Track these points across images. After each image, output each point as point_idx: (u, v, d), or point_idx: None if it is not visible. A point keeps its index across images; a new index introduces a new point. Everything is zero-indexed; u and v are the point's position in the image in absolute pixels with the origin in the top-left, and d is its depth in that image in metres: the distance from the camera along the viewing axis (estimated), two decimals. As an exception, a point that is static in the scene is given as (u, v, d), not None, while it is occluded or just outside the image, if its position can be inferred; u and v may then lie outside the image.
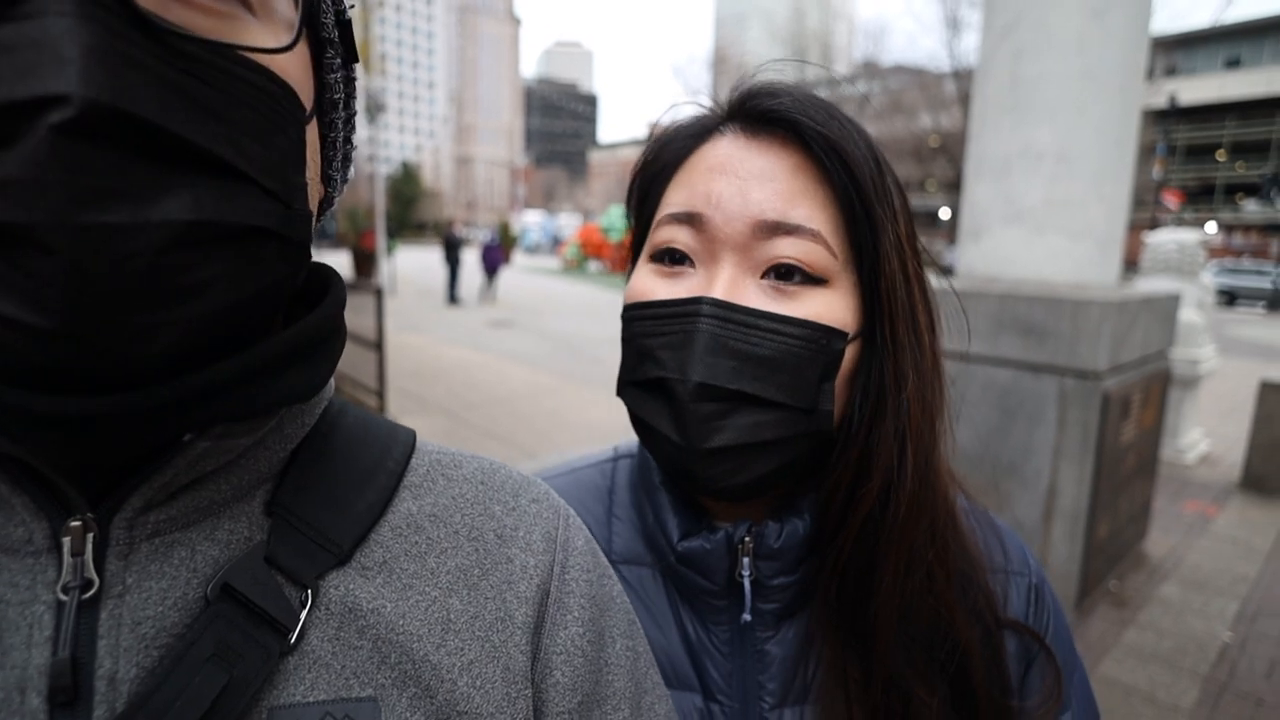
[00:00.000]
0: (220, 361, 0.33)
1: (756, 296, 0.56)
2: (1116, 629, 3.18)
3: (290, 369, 0.37)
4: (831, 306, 0.56)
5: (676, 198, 0.60)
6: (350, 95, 0.45)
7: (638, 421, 0.61)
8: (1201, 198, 44.54)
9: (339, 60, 0.42)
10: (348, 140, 0.46)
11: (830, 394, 0.57)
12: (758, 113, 0.59)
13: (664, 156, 0.64)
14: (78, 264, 0.26)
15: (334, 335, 0.41)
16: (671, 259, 0.59)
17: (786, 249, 0.55)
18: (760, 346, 0.54)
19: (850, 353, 0.58)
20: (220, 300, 0.32)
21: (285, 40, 0.36)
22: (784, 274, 0.56)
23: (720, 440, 0.55)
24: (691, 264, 0.59)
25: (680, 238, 0.59)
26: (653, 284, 0.60)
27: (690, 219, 0.58)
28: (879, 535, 0.57)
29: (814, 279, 0.56)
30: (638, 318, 0.60)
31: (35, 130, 0.26)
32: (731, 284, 0.56)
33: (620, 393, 0.63)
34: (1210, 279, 6.39)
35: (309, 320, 0.38)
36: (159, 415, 0.32)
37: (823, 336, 0.56)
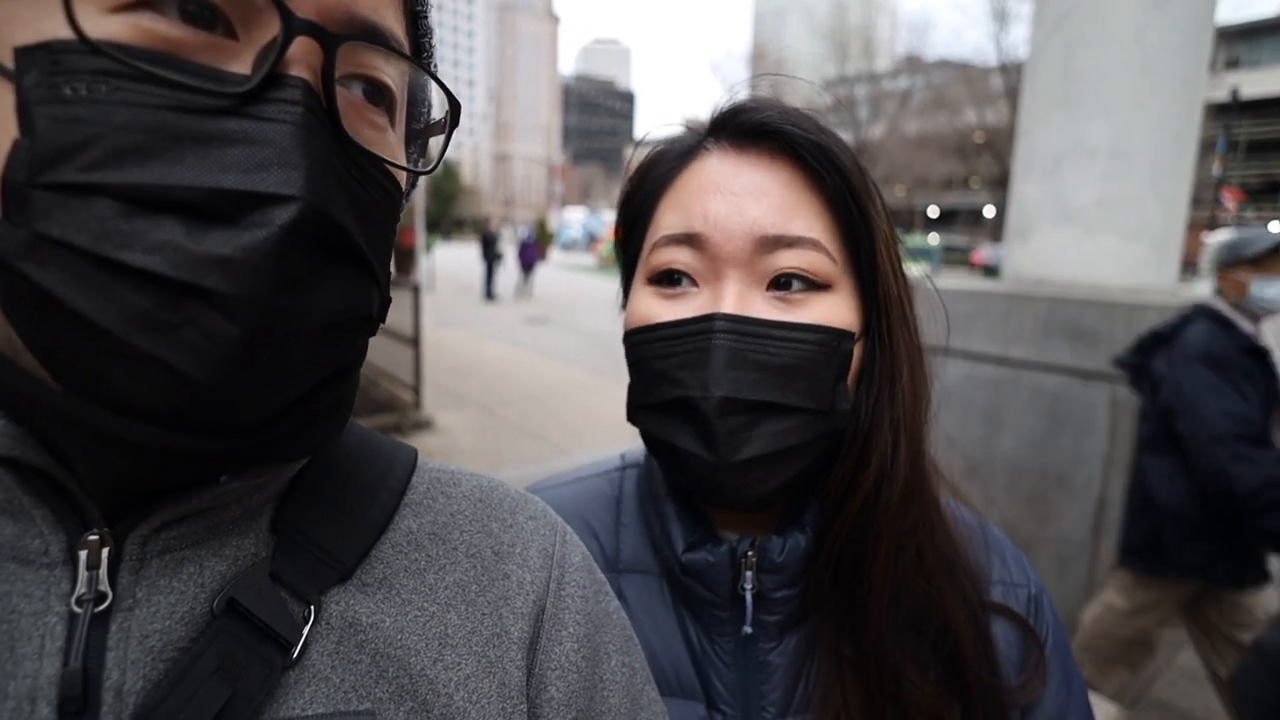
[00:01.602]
0: (289, 416, 0.36)
1: (764, 308, 0.57)
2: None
3: (326, 419, 0.39)
4: (837, 309, 0.58)
5: (670, 219, 0.61)
6: (414, 185, 0.49)
7: (657, 444, 0.62)
8: (1265, 195, 42.60)
9: (417, 157, 0.47)
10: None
11: (845, 394, 0.59)
12: (746, 127, 0.60)
13: (650, 180, 0.64)
14: (257, 334, 0.31)
15: (357, 383, 0.44)
16: (672, 280, 0.60)
17: (789, 260, 0.57)
18: (777, 356, 0.56)
19: (856, 351, 0.60)
20: (324, 373, 0.37)
21: (403, 148, 0.43)
22: (788, 284, 0.58)
23: (750, 451, 0.55)
24: (693, 283, 0.59)
25: (681, 258, 0.59)
26: (656, 307, 0.60)
27: (689, 239, 0.59)
28: (873, 520, 0.59)
29: (818, 285, 0.58)
30: (646, 341, 0.60)
31: (264, 221, 0.30)
32: (739, 298, 0.57)
33: (633, 418, 0.63)
34: None
35: (351, 379, 0.41)
36: (229, 458, 0.35)
37: (834, 339, 0.57)
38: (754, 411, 0.55)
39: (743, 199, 0.57)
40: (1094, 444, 2.91)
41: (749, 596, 0.61)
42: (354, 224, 0.34)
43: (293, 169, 0.31)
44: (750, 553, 0.61)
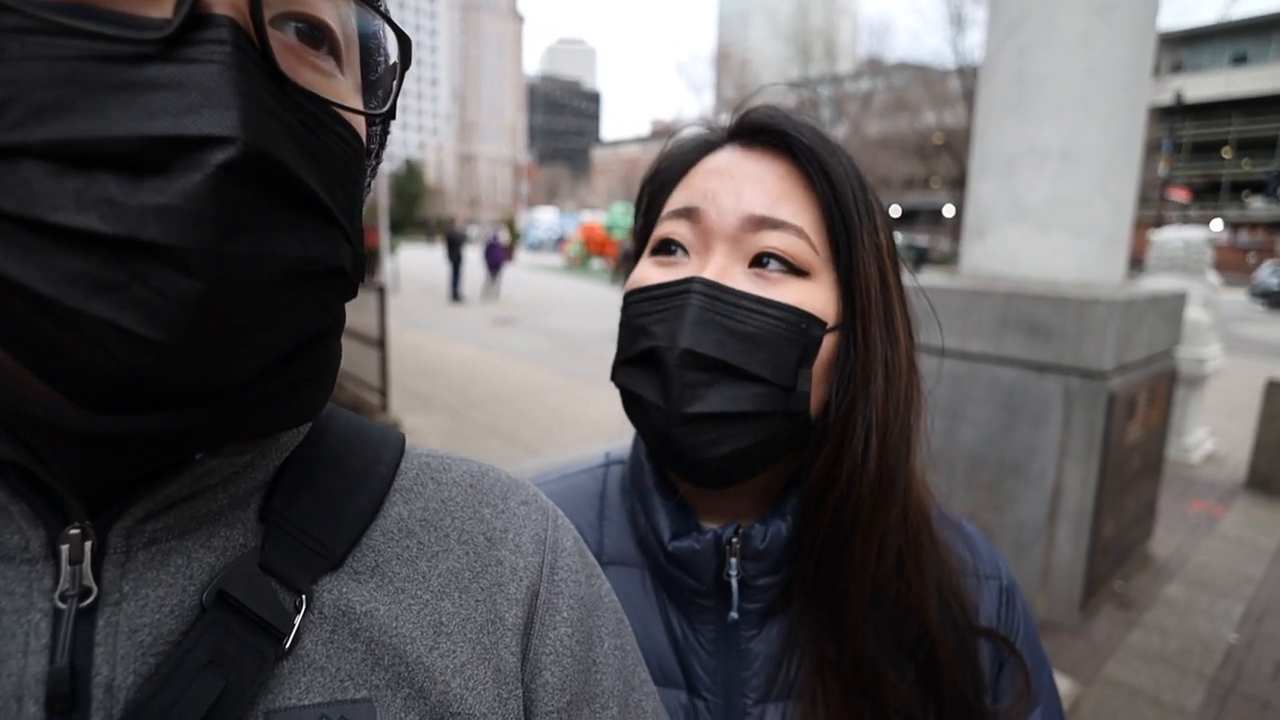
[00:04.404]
0: (261, 384, 0.34)
1: (743, 281, 0.61)
2: (1122, 630, 3.16)
3: (304, 390, 0.38)
4: (812, 296, 0.62)
5: (678, 198, 0.67)
6: (383, 145, 0.48)
7: (628, 397, 0.65)
8: (1207, 195, 44.32)
9: (378, 106, 0.45)
10: (370, 183, 0.49)
11: (808, 378, 0.61)
12: (753, 126, 0.66)
13: (669, 170, 0.70)
14: (212, 287, 0.29)
15: (339, 355, 0.43)
16: (669, 250, 0.65)
17: (772, 241, 0.61)
18: (744, 324, 0.59)
19: (829, 344, 0.62)
20: (297, 330, 0.35)
21: (358, 97, 0.41)
22: (769, 264, 0.62)
23: (702, 406, 0.59)
24: (687, 254, 0.64)
25: (678, 230, 0.65)
26: (650, 272, 0.65)
27: (688, 213, 0.64)
28: (846, 517, 0.62)
29: (797, 270, 0.62)
30: (634, 301, 0.65)
31: (198, 165, 0.29)
32: (721, 270, 0.61)
33: (614, 376, 0.67)
34: (1266, 278, 6.32)
35: (329, 347, 0.40)
36: (199, 433, 0.33)
37: (802, 321, 0.60)
38: (713, 370, 0.59)
39: (740, 182, 0.63)
40: (1049, 434, 3.02)
41: (734, 583, 0.63)
42: (304, 168, 0.33)
43: (224, 109, 0.29)
44: (734, 540, 0.63)
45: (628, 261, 0.73)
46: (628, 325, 0.65)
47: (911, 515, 0.65)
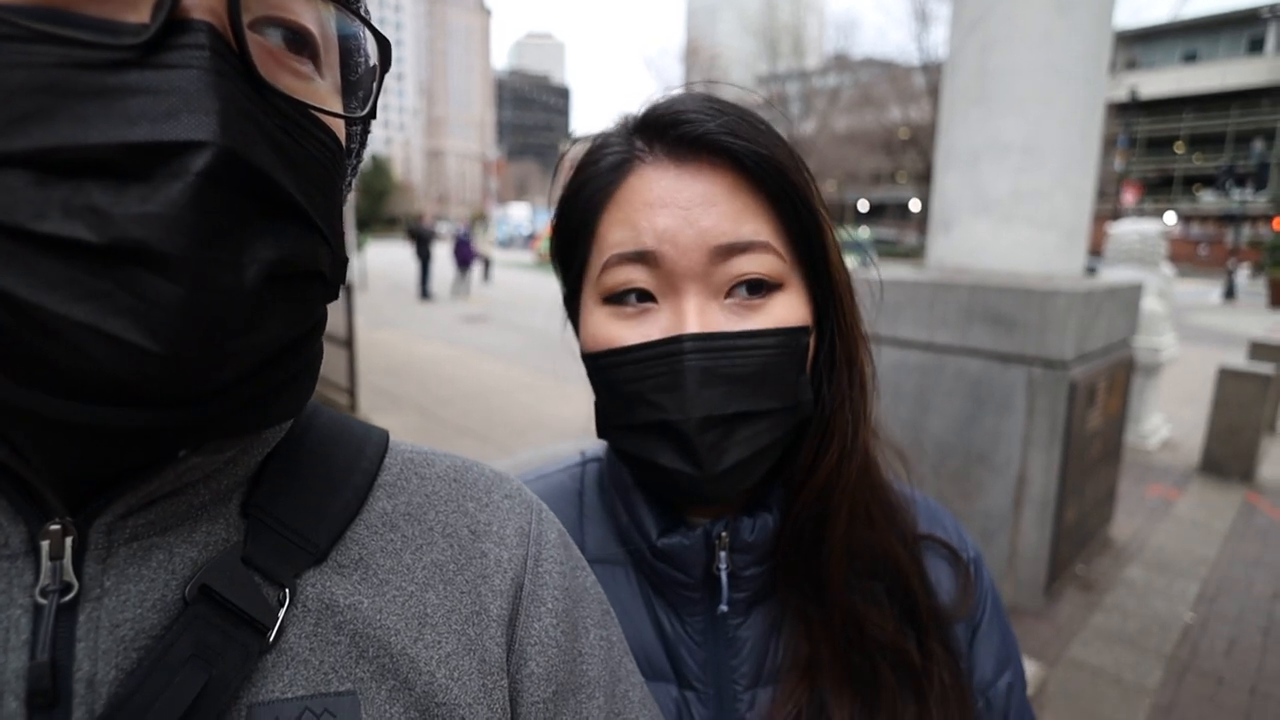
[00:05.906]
0: (247, 385, 0.35)
1: (725, 318, 0.59)
2: (1084, 612, 3.25)
3: (289, 389, 0.39)
4: (792, 307, 0.60)
5: (618, 236, 0.60)
6: (363, 145, 0.48)
7: (634, 460, 0.63)
8: (1161, 188, 45.74)
9: (358, 108, 0.45)
10: (350, 183, 0.49)
11: (806, 385, 0.62)
12: (686, 141, 0.58)
13: (585, 195, 0.62)
14: (195, 292, 0.29)
15: (321, 354, 0.43)
16: (631, 299, 0.60)
17: (744, 266, 0.58)
18: (745, 365, 0.57)
19: (811, 341, 0.62)
20: (279, 333, 0.35)
21: (337, 100, 0.41)
22: (746, 289, 0.59)
23: (730, 459, 0.58)
24: (651, 299, 0.59)
25: (636, 276, 0.59)
26: (618, 329, 0.60)
27: (642, 257, 0.58)
28: (834, 495, 0.63)
29: (772, 286, 0.59)
30: (614, 365, 0.60)
31: (179, 171, 0.29)
32: (701, 313, 0.58)
33: (604, 435, 0.65)
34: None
35: (311, 347, 0.40)
36: (184, 432, 0.33)
37: (793, 338, 0.59)
38: (729, 422, 0.57)
39: (691, 211, 0.57)
40: (1013, 423, 3.09)
41: (724, 576, 0.63)
42: (282, 173, 0.33)
43: (203, 114, 0.29)
44: (724, 534, 0.63)
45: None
46: (615, 390, 0.60)
47: (874, 471, 0.67)
